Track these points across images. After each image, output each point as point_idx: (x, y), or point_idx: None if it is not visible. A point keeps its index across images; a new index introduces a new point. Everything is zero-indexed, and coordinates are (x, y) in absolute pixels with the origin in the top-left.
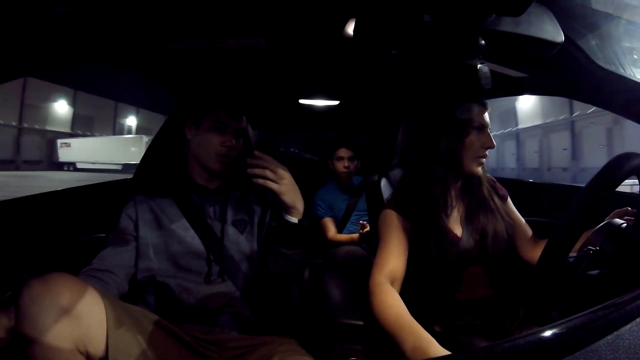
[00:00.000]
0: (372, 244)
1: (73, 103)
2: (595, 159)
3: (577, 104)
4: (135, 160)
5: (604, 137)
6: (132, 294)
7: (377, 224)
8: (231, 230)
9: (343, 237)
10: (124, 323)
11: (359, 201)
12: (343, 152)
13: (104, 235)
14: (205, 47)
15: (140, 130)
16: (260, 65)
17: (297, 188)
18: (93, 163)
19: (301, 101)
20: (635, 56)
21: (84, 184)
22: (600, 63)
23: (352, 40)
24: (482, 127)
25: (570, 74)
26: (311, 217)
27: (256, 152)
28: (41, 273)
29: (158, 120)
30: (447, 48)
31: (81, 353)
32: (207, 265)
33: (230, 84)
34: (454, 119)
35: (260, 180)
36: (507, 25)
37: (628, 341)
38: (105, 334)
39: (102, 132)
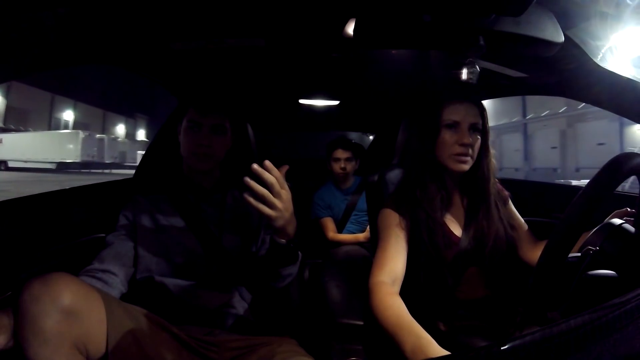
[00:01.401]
0: (372, 244)
1: (7, 94)
2: (547, 160)
3: (530, 107)
4: (71, 158)
5: (557, 139)
6: (132, 294)
7: (376, 223)
8: (229, 230)
9: (345, 237)
10: (123, 323)
11: (358, 201)
12: (340, 154)
13: (104, 235)
14: (205, 47)
15: (77, 125)
16: (260, 65)
17: (293, 213)
18: (25, 162)
19: (301, 101)
20: (635, 56)
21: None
22: (600, 63)
23: (352, 40)
24: (455, 123)
25: (570, 74)
26: (311, 217)
27: (267, 163)
28: (41, 273)
29: (97, 115)
30: (447, 48)
31: (81, 353)
32: (205, 265)
33: (212, 81)
34: (425, 118)
35: (253, 201)
36: (507, 25)
37: (628, 341)
38: (105, 334)
39: (38, 127)
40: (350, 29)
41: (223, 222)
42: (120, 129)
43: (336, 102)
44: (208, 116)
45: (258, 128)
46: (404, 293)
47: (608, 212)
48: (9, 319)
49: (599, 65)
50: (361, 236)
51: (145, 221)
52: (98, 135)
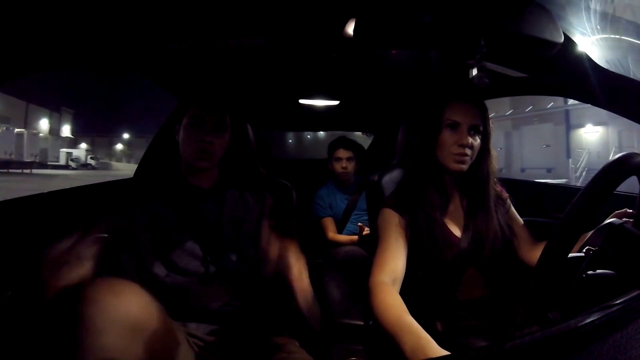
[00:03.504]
0: (372, 244)
1: None
2: None
3: None
4: None
5: (502, 141)
6: None
7: (376, 224)
8: (228, 230)
9: (343, 238)
10: (175, 337)
11: (358, 201)
12: (341, 153)
13: (104, 235)
14: (205, 47)
15: None
16: (260, 65)
17: None
18: None
19: (301, 101)
20: (635, 56)
21: None
22: (601, 63)
23: (352, 40)
24: (455, 124)
25: (570, 74)
26: (311, 217)
27: None
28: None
29: (20, 108)
30: (447, 48)
31: None
32: (204, 265)
33: (212, 81)
34: (426, 117)
35: None
36: (507, 25)
37: (628, 341)
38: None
39: None
40: (350, 29)
41: (222, 222)
42: (44, 124)
43: (336, 102)
44: (210, 113)
45: (258, 128)
46: (404, 293)
47: (608, 212)
48: (97, 250)
49: (599, 65)
50: (355, 237)
51: (144, 223)
52: (17, 130)
